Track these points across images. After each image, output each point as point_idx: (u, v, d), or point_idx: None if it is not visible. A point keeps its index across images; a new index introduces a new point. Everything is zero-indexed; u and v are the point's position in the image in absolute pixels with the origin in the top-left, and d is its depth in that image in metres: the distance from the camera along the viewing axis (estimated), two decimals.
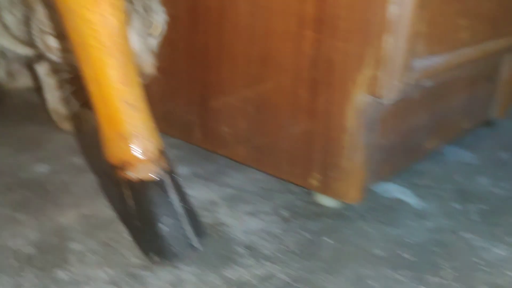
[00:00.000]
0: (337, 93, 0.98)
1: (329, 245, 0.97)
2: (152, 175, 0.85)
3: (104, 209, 1.03)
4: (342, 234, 1.01)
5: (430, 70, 0.99)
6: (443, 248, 0.98)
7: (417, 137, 1.20)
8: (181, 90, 1.24)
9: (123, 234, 0.95)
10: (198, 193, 1.12)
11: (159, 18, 1.07)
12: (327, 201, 1.09)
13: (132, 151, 0.84)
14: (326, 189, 1.06)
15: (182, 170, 1.21)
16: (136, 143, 0.84)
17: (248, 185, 1.16)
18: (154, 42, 1.08)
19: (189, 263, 0.89)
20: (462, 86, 1.31)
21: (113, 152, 0.86)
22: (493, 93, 1.47)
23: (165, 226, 0.86)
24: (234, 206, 1.08)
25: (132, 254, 0.90)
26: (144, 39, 1.03)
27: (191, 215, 0.89)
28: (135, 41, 1.01)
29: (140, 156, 0.85)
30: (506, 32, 1.29)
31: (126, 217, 0.97)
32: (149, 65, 1.01)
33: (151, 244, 0.88)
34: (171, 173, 0.87)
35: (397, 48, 0.90)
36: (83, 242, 0.93)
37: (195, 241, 0.89)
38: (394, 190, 1.16)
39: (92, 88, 0.83)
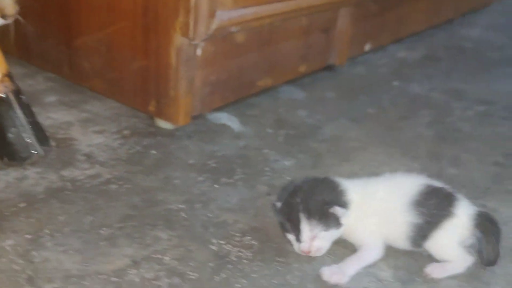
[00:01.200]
0: (162, 36, 1.23)
1: (154, 156, 1.24)
2: None
3: None
4: (167, 149, 1.28)
5: (237, 20, 1.25)
6: (243, 160, 1.26)
7: (248, 75, 1.47)
8: (52, 31, 1.46)
9: None
10: (59, 116, 1.36)
11: None
12: (163, 124, 1.35)
13: None
14: (160, 114, 1.33)
15: (50, 98, 1.44)
16: None
17: (103, 111, 1.41)
18: None
19: (34, 165, 1.15)
20: (294, 35, 1.57)
21: None
22: (331, 42, 1.75)
23: (13, 136, 1.11)
24: (86, 126, 1.33)
25: None
26: None
27: (36, 127, 1.14)
28: None
29: None
30: None
31: None
32: (9, 6, 1.21)
33: (3, 150, 1.12)
34: (17, 93, 1.11)
35: (202, 1, 1.15)
36: None
37: (38, 148, 1.14)
38: (223, 118, 1.44)
39: None
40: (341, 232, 0.99)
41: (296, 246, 0.97)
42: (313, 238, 0.96)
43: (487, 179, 1.27)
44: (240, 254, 0.97)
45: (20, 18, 1.26)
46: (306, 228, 0.96)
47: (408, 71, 1.90)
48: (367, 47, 1.96)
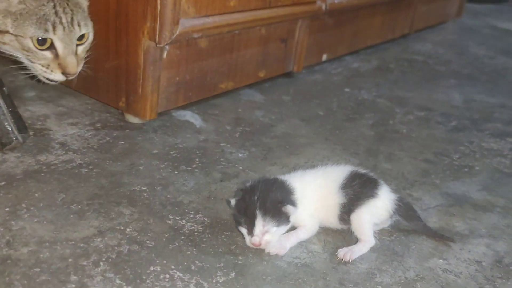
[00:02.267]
0: (132, 39, 1.39)
1: (122, 146, 1.39)
2: None
3: None
4: (134, 140, 1.43)
5: (198, 27, 1.41)
6: (202, 151, 1.42)
7: (211, 78, 1.63)
8: None
9: None
10: (37, 109, 1.50)
11: None
12: (131, 119, 1.50)
13: None
14: (129, 110, 1.48)
15: (29, 93, 1.58)
16: None
17: (78, 106, 1.55)
18: None
19: (13, 150, 1.29)
20: (254, 43, 1.74)
21: None
22: (289, 51, 1.92)
23: None
24: (61, 119, 1.47)
25: None
26: None
27: (16, 116, 1.28)
28: None
29: None
30: (276, 4, 1.72)
31: None
32: (71, 65, 1.24)
33: None
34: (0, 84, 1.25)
35: (167, 9, 1.31)
36: None
37: (18, 135, 1.28)
38: (187, 115, 1.60)
39: None
40: (288, 227, 1.12)
41: (247, 239, 1.09)
42: (264, 233, 1.08)
43: (416, 173, 1.45)
44: (193, 228, 1.13)
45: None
46: (260, 223, 1.07)
47: (360, 79, 2.09)
48: (325, 57, 2.14)
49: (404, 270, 1.09)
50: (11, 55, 1.25)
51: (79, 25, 1.24)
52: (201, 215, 1.17)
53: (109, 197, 1.19)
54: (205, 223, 1.15)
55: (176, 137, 1.47)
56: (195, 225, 1.14)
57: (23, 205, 1.12)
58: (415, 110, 1.86)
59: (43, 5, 1.19)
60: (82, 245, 1.03)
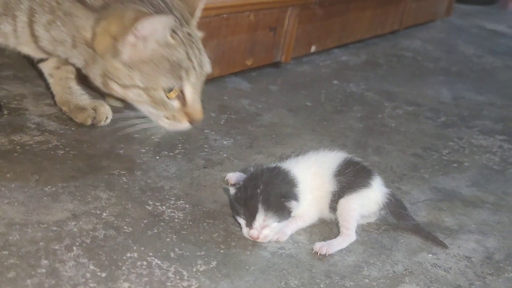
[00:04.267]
0: None
1: (101, 129, 1.33)
2: None
3: None
4: (115, 123, 1.36)
5: None
6: (185, 137, 1.36)
7: None
8: None
9: None
10: (13, 89, 1.43)
11: None
12: (113, 102, 1.43)
13: None
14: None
15: (6, 72, 1.51)
16: None
17: None
18: None
19: None
20: (243, 30, 1.69)
21: None
22: (278, 41, 1.88)
23: None
24: (39, 99, 1.41)
25: None
26: None
27: None
28: None
29: None
30: None
31: None
32: (197, 112, 1.12)
33: None
34: None
35: None
36: None
37: None
38: None
39: None
40: (286, 223, 1.06)
41: (245, 230, 1.03)
42: (264, 227, 1.02)
43: (405, 167, 1.42)
44: (173, 214, 1.07)
45: None
46: (261, 218, 1.01)
47: (348, 73, 2.05)
48: (313, 48, 2.10)
49: (392, 264, 1.05)
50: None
51: (206, 65, 1.13)
52: (182, 201, 1.12)
53: (85, 180, 1.13)
54: (186, 210, 1.10)
55: None
56: (176, 212, 1.08)
57: None
58: (404, 105, 1.83)
59: (175, 49, 1.06)
60: (54, 228, 0.97)
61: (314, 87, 1.86)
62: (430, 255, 1.09)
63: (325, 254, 1.03)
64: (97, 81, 1.11)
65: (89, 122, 1.31)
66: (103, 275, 0.89)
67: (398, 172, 1.38)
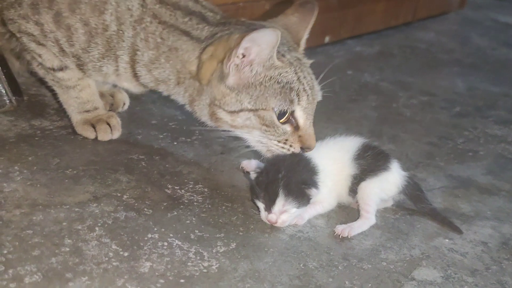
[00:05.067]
0: None
1: (120, 115, 1.33)
2: None
3: None
4: (132, 110, 1.38)
5: None
6: (203, 124, 1.37)
7: None
8: None
9: None
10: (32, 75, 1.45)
11: None
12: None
13: None
14: None
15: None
16: None
17: None
18: None
19: (7, 114, 1.24)
20: (257, 18, 1.70)
21: None
22: None
23: None
24: None
25: None
26: None
27: (10, 79, 1.23)
28: None
29: None
30: None
31: None
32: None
33: None
34: None
35: None
36: None
37: (12, 98, 1.23)
38: None
39: None
40: (305, 209, 1.06)
41: (263, 214, 1.04)
42: (283, 212, 1.02)
43: (420, 155, 1.42)
44: (192, 198, 1.09)
45: None
46: (281, 203, 1.02)
47: (362, 63, 2.05)
48: (327, 39, 2.10)
49: (409, 248, 1.05)
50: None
51: (318, 93, 1.13)
52: (200, 185, 1.13)
53: (105, 164, 1.14)
54: (205, 193, 1.11)
55: (175, 109, 1.43)
56: (195, 195, 1.10)
57: (16, 167, 1.07)
58: (419, 95, 1.83)
59: (284, 70, 1.06)
60: (77, 209, 0.99)
61: (328, 76, 1.84)
62: (447, 240, 1.09)
63: (347, 236, 1.05)
64: (204, 113, 1.10)
65: (107, 108, 1.33)
66: (126, 254, 0.90)
67: (413, 160, 1.39)
